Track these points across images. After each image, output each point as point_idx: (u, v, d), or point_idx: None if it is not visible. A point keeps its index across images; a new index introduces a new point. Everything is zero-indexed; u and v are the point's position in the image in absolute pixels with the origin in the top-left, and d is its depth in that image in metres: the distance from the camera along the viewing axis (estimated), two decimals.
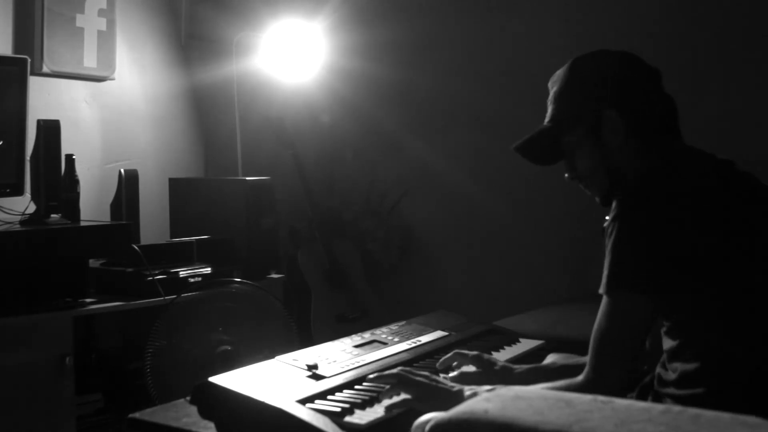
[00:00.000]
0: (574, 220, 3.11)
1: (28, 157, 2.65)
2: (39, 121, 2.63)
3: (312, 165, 3.67)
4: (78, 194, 2.70)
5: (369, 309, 3.28)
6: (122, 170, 3.02)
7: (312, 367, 1.63)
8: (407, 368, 1.63)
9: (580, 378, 1.50)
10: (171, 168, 3.55)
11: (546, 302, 3.04)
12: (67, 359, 2.41)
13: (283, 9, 3.66)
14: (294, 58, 3.57)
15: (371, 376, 1.61)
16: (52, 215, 2.64)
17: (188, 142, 3.72)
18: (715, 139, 1.85)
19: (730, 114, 2.93)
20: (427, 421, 1.09)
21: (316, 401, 1.49)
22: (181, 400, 1.63)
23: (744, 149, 1.92)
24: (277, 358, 1.70)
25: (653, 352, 1.54)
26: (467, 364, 1.77)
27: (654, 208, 1.45)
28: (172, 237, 3.25)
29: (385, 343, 1.92)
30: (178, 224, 3.30)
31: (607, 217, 1.50)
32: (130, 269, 2.72)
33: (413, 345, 1.94)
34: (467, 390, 1.49)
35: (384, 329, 2.05)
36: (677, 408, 1.04)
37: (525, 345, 2.16)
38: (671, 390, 1.45)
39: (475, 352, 1.78)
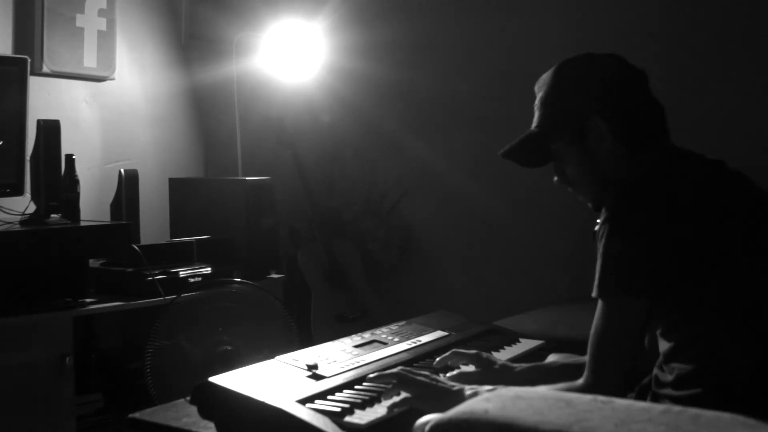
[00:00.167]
0: (574, 220, 3.10)
1: (28, 157, 2.65)
2: (39, 121, 2.63)
3: (312, 165, 3.67)
4: (78, 194, 2.70)
5: (369, 309, 3.27)
6: (122, 170, 3.02)
7: (312, 367, 1.63)
8: (407, 368, 1.63)
9: (579, 381, 1.50)
10: (171, 168, 3.55)
11: (546, 302, 3.04)
12: (67, 359, 2.41)
13: (283, 9, 3.66)
14: (294, 58, 3.57)
15: (371, 375, 1.61)
16: (52, 215, 2.64)
17: (188, 142, 3.72)
18: (715, 140, 1.85)
19: (730, 114, 2.93)
20: (427, 422, 1.09)
21: (316, 401, 1.49)
22: (181, 400, 1.63)
23: (744, 149, 1.92)
24: (277, 358, 1.70)
25: (651, 351, 1.54)
26: (465, 362, 1.77)
27: (654, 208, 1.45)
28: (172, 237, 3.25)
29: (385, 343, 1.92)
30: (178, 224, 3.30)
31: (598, 221, 1.50)
32: (130, 269, 2.72)
33: (413, 345, 1.94)
34: (468, 389, 1.49)
35: (384, 329, 2.05)
36: (677, 408, 1.03)
37: (525, 345, 2.16)
38: (669, 391, 1.45)
39: (473, 351, 1.78)
